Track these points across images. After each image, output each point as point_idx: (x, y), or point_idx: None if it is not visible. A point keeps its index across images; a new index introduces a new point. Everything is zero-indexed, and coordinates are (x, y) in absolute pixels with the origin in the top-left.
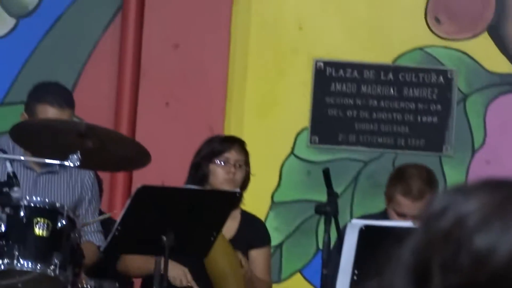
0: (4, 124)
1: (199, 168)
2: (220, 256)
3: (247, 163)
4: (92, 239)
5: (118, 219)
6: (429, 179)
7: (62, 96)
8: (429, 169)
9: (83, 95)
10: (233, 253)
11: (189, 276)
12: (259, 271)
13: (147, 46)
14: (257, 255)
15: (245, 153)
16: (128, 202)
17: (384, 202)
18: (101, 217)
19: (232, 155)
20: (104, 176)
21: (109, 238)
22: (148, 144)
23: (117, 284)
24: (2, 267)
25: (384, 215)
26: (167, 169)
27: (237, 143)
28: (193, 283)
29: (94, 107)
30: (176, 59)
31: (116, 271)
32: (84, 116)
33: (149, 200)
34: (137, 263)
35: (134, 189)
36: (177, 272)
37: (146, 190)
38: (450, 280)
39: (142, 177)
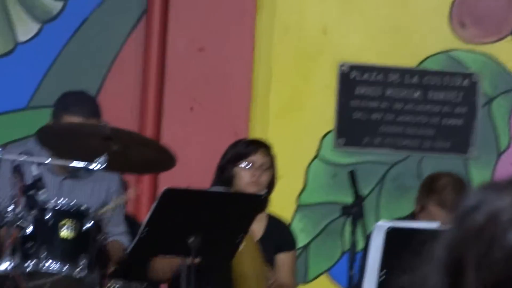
0: (29, 128)
1: (224, 171)
2: (247, 260)
3: (272, 166)
4: (119, 239)
5: (144, 221)
6: (463, 189)
7: (88, 106)
8: (461, 178)
9: (108, 99)
10: (261, 260)
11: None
12: (285, 275)
13: (171, 49)
14: (283, 259)
15: (271, 156)
16: (154, 204)
17: (410, 204)
18: (119, 200)
19: (257, 158)
20: (130, 179)
21: (135, 240)
22: (173, 147)
23: (144, 285)
24: (29, 268)
25: (412, 219)
26: (192, 172)
27: (262, 146)
28: None
29: (119, 111)
30: (201, 62)
31: (143, 272)
32: (109, 120)
33: (174, 202)
34: (162, 265)
35: (159, 192)
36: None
37: (171, 193)
38: (483, 276)
39: (167, 180)
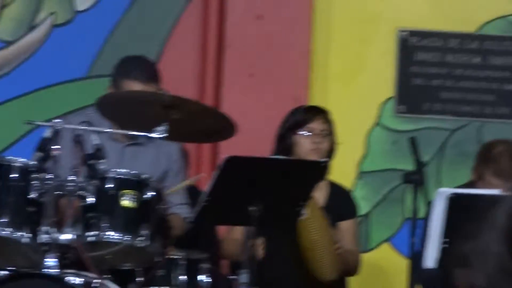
0: (89, 97)
1: (283, 140)
2: (314, 226)
3: (332, 133)
4: (179, 211)
5: (206, 190)
6: None
7: (148, 70)
8: None
9: (167, 67)
10: (327, 225)
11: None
12: (348, 242)
13: (230, 17)
14: (346, 226)
15: (330, 123)
16: (216, 172)
17: (470, 171)
18: (188, 182)
19: (316, 125)
20: (190, 147)
21: (198, 208)
22: (233, 115)
23: (206, 255)
24: (91, 238)
25: (470, 187)
26: (252, 141)
27: (321, 112)
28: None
29: (178, 79)
30: (260, 30)
31: (205, 242)
32: (169, 88)
33: (236, 170)
34: (234, 245)
35: (220, 161)
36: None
37: (233, 161)
38: None
39: (228, 149)
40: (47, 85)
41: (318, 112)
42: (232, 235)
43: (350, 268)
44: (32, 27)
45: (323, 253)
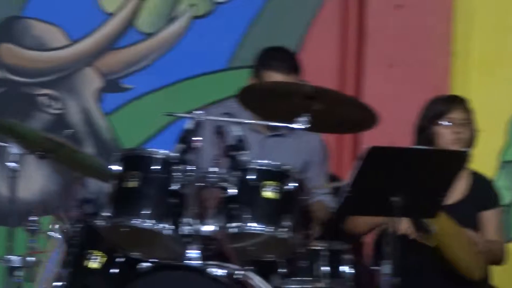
0: (230, 88)
1: (424, 130)
2: (449, 240)
3: (472, 122)
4: (322, 199)
5: (350, 180)
6: None
7: (288, 62)
8: None
9: (307, 58)
10: (461, 233)
11: (411, 228)
12: (491, 233)
13: (370, 7)
14: (489, 216)
15: (469, 112)
16: (358, 163)
17: None
18: (336, 184)
19: (457, 114)
20: (331, 138)
21: (341, 199)
22: (373, 105)
23: (348, 246)
24: (233, 230)
25: None
26: (393, 131)
27: (460, 102)
28: (415, 235)
29: (319, 70)
30: (400, 19)
31: (347, 233)
32: (309, 79)
33: (379, 160)
34: (364, 219)
35: (362, 151)
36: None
37: (376, 151)
38: None
39: (368, 139)
40: (187, 77)
41: (458, 102)
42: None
43: (495, 258)
44: (171, 19)
45: (465, 259)
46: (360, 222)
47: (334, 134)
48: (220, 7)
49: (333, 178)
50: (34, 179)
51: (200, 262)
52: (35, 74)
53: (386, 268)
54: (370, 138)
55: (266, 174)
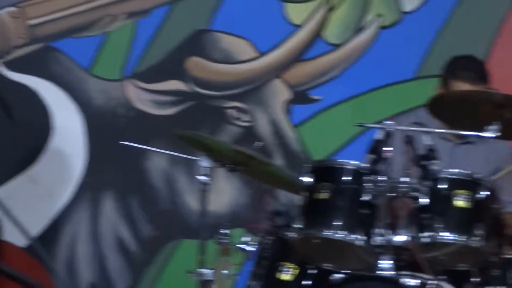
0: (418, 97)
1: None
2: None
3: None
4: None
5: None
6: None
7: (476, 70)
8: None
9: (496, 65)
10: None
11: None
12: None
13: None
14: None
15: None
16: None
17: None
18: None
19: None
20: None
21: None
22: None
23: None
24: (425, 239)
25: None
26: None
27: None
28: None
29: (507, 77)
30: None
31: None
32: (497, 87)
33: None
34: None
35: None
36: None
37: None
38: None
39: None
40: (375, 87)
41: None
42: None
43: None
44: (358, 30)
45: None
46: None
47: None
48: (407, 16)
49: None
50: (225, 192)
51: (392, 272)
52: (223, 87)
53: None
54: None
55: (457, 183)
